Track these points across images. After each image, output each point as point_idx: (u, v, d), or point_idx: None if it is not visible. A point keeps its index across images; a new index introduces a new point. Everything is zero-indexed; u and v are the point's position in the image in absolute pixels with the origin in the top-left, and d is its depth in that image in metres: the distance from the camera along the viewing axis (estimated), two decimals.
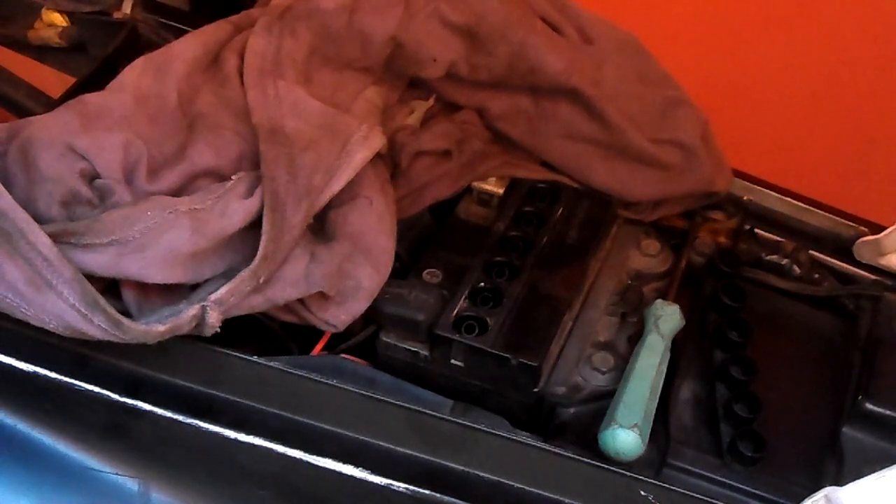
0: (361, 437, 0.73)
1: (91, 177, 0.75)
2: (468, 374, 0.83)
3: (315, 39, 0.87)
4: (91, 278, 0.69)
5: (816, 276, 0.98)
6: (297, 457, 0.72)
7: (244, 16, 0.91)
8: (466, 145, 0.93)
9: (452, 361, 0.83)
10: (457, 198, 0.94)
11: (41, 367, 0.73)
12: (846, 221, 1.03)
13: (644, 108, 0.95)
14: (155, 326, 0.70)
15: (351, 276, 0.79)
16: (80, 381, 0.73)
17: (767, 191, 1.04)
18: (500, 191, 0.95)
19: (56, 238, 0.68)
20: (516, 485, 0.72)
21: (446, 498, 0.72)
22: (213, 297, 0.72)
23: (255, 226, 0.75)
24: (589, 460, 0.74)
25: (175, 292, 0.74)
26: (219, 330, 0.73)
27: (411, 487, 0.72)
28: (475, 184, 0.95)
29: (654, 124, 0.94)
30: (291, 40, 0.86)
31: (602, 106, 0.91)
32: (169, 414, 0.72)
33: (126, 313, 0.71)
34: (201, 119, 0.82)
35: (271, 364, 0.76)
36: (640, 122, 0.94)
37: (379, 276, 0.81)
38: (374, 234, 0.81)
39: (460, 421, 0.75)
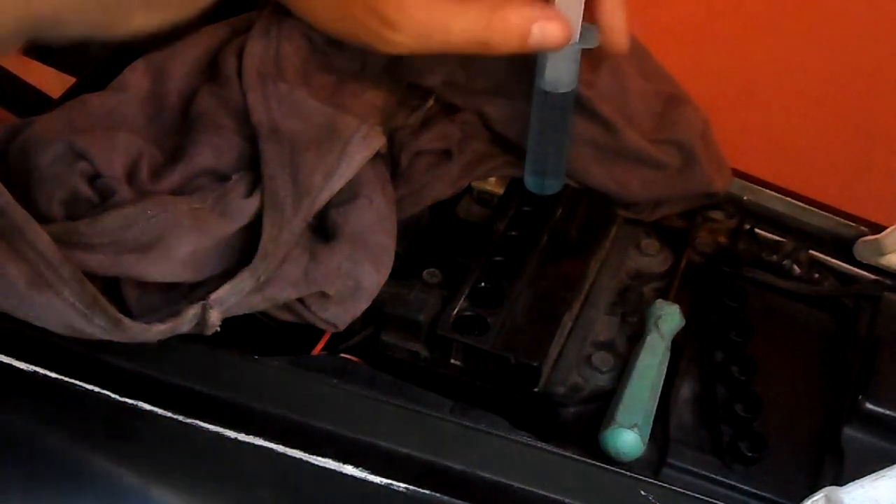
0: (361, 437, 0.72)
1: (92, 176, 0.75)
2: (468, 374, 0.83)
3: (312, 44, 0.87)
4: (91, 278, 0.69)
5: (816, 276, 0.97)
6: (297, 457, 0.72)
7: (243, 19, 0.91)
8: (467, 145, 0.93)
9: (452, 361, 0.83)
10: (457, 198, 0.94)
11: (41, 367, 0.73)
12: (846, 221, 1.03)
13: (642, 107, 0.94)
14: (155, 325, 0.70)
15: (351, 276, 0.79)
16: (80, 381, 0.73)
17: (767, 191, 1.04)
18: (500, 191, 0.95)
19: (56, 238, 0.68)
20: (516, 485, 0.72)
21: (446, 498, 0.71)
22: (213, 296, 0.72)
23: (255, 225, 0.75)
24: (589, 460, 0.74)
25: (175, 291, 0.74)
26: (219, 329, 0.73)
27: (411, 487, 0.71)
28: (475, 184, 0.94)
29: (652, 123, 0.94)
30: (289, 44, 0.86)
31: (599, 105, 0.90)
32: (169, 414, 0.72)
33: (126, 313, 0.71)
34: (201, 119, 0.82)
35: (271, 364, 0.76)
36: (639, 121, 0.93)
37: (379, 275, 0.81)
38: (374, 233, 0.81)
39: (460, 421, 0.75)
